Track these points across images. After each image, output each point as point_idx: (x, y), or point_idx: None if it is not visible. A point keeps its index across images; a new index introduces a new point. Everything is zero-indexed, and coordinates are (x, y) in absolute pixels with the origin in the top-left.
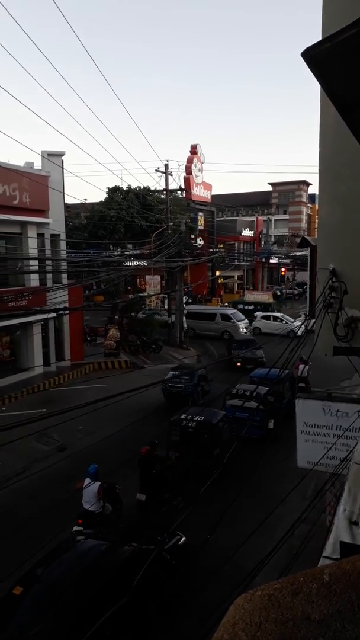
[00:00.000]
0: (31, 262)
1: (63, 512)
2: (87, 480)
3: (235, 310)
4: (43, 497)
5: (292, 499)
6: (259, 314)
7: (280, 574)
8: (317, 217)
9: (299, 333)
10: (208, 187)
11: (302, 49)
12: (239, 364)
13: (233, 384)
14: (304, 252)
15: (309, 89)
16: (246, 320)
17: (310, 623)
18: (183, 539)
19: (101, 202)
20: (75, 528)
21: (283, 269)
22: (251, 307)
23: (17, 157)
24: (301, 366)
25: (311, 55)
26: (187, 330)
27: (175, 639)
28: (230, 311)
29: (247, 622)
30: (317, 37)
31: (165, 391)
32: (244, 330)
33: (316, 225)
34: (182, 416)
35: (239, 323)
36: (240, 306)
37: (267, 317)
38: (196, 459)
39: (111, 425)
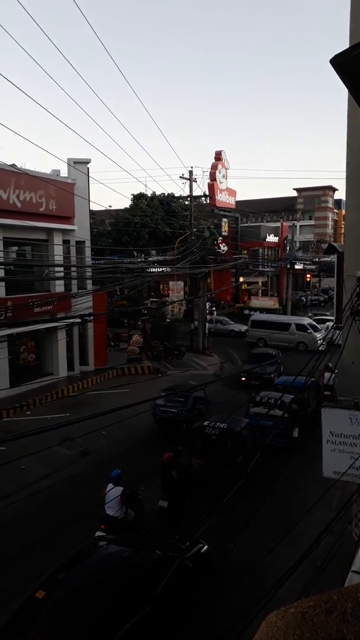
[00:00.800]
0: (56, 268)
1: (86, 517)
2: (110, 486)
3: (311, 320)
4: (66, 502)
5: (316, 509)
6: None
7: (304, 586)
8: (343, 223)
9: (321, 347)
10: (232, 193)
11: (330, 53)
12: (243, 379)
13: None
14: (329, 258)
15: (337, 93)
16: (322, 331)
17: None
18: (205, 547)
19: (126, 208)
20: (98, 533)
21: (308, 275)
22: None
23: (43, 165)
24: (327, 374)
25: (340, 62)
26: (257, 340)
27: None
28: (306, 321)
29: None
30: (344, 42)
31: (155, 416)
32: (320, 341)
33: (342, 231)
34: (205, 423)
35: (315, 334)
36: (246, 312)
37: (211, 321)
38: (219, 466)
39: (134, 431)
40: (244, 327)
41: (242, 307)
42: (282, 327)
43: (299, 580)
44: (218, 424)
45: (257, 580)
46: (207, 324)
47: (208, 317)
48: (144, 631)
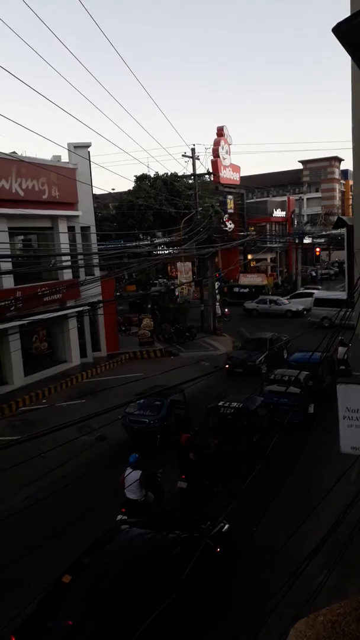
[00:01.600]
0: (64, 257)
1: (107, 501)
2: (129, 470)
3: None
4: (87, 487)
5: (335, 484)
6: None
7: (327, 559)
8: (351, 194)
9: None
10: (236, 169)
11: (332, 21)
12: (227, 366)
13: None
14: (339, 231)
15: (340, 62)
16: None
17: None
18: (227, 526)
19: (129, 190)
20: (120, 517)
21: (317, 249)
22: (246, 290)
23: (43, 151)
24: (341, 349)
25: (343, 31)
26: (322, 319)
27: (224, 631)
28: None
29: None
30: (346, 9)
31: (126, 426)
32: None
33: (350, 203)
34: (220, 403)
35: None
36: (236, 289)
37: (263, 301)
38: (236, 445)
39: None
40: (301, 306)
41: (231, 285)
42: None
43: (320, 554)
44: (233, 403)
45: (280, 557)
46: (219, 304)
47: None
48: (170, 614)
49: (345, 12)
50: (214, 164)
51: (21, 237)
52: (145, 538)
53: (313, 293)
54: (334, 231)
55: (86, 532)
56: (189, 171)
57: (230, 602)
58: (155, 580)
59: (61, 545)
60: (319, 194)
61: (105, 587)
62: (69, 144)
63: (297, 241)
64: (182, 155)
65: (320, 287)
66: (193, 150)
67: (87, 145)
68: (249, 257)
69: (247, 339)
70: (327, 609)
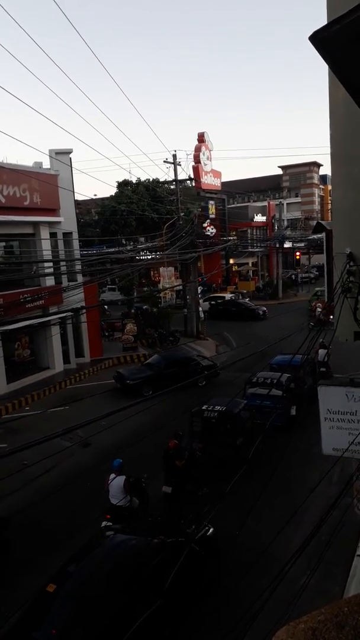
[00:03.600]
0: (46, 263)
1: (92, 507)
2: (112, 475)
3: None
4: (72, 494)
5: (318, 485)
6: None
7: (309, 560)
8: (330, 198)
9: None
10: (217, 174)
11: (309, 29)
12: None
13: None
14: (318, 235)
15: (318, 69)
16: None
17: None
18: (211, 530)
19: (111, 196)
20: (104, 523)
21: (298, 253)
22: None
23: (25, 157)
24: (321, 351)
25: (320, 39)
26: None
27: (208, 635)
28: None
29: None
30: (323, 17)
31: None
32: None
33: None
34: (204, 407)
35: None
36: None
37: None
38: (220, 449)
39: (133, 419)
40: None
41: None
42: None
43: (303, 554)
44: (216, 407)
45: (264, 558)
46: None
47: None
48: (156, 620)
49: (322, 18)
50: (195, 169)
51: (2, 244)
52: (130, 544)
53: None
54: (313, 235)
55: (72, 539)
56: (171, 177)
57: (215, 604)
58: (141, 587)
59: (47, 553)
60: (298, 199)
61: (90, 595)
62: (50, 150)
63: (277, 245)
64: (164, 161)
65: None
66: (174, 156)
67: (69, 152)
68: (231, 261)
69: (157, 355)
70: (307, 616)
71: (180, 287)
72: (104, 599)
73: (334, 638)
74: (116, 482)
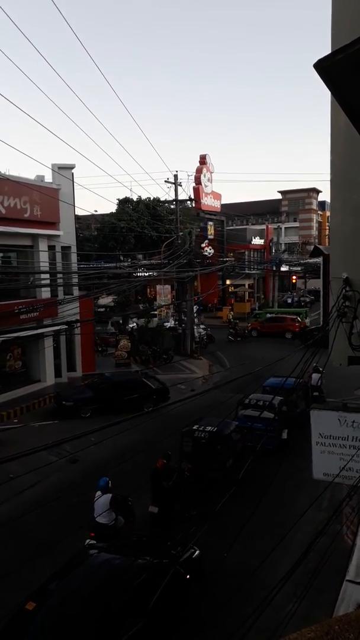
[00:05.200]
0: (42, 275)
1: (78, 524)
2: (98, 494)
3: None
4: (57, 510)
5: (307, 511)
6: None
7: (296, 588)
8: (328, 224)
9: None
10: (217, 196)
11: (313, 52)
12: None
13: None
14: (315, 260)
15: (320, 95)
16: None
17: None
18: (197, 552)
19: (111, 213)
20: (88, 541)
21: (294, 277)
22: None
23: (27, 170)
24: (314, 375)
25: (324, 67)
26: None
27: None
28: None
29: None
30: (328, 40)
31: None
32: None
33: (327, 233)
34: (195, 427)
35: None
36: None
37: None
38: (209, 470)
39: (122, 437)
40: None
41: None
42: None
43: (290, 582)
44: (207, 427)
45: (250, 583)
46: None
47: (195, 320)
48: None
49: (326, 47)
50: (196, 190)
51: (0, 255)
52: (114, 563)
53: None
54: (311, 260)
55: (55, 556)
56: (171, 197)
57: (200, 628)
58: (123, 607)
59: (28, 570)
60: (296, 224)
61: (71, 614)
62: (53, 165)
63: (274, 268)
64: (165, 181)
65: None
66: (176, 176)
67: (71, 167)
68: (228, 282)
69: (103, 375)
70: (297, 633)
71: (175, 308)
72: (84, 619)
73: None
74: (102, 501)
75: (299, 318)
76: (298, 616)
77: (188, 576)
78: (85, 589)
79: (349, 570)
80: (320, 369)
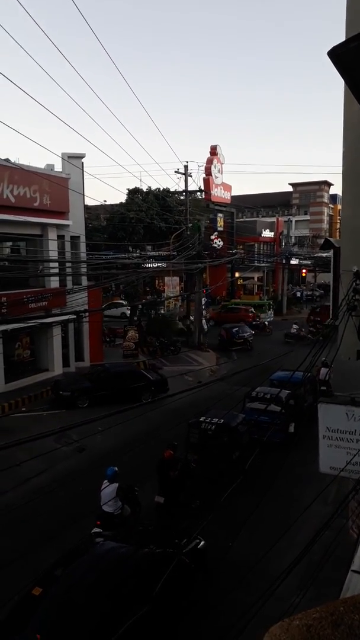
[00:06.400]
0: (51, 264)
1: (83, 513)
2: (105, 483)
3: None
4: (64, 498)
5: (312, 504)
6: None
7: (300, 580)
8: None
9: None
10: (228, 188)
11: (326, 43)
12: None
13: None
14: (325, 254)
15: (333, 86)
16: None
17: None
18: (202, 543)
19: (121, 203)
20: (95, 529)
21: (304, 271)
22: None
23: (37, 160)
24: (323, 370)
25: (338, 54)
26: None
27: None
28: None
29: None
30: (341, 35)
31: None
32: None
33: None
34: (201, 419)
35: None
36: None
37: None
38: (215, 462)
39: (128, 427)
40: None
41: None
42: None
43: (295, 574)
44: (214, 419)
45: (254, 575)
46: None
47: (204, 312)
48: (142, 629)
49: (341, 36)
50: (206, 182)
51: (9, 244)
52: (119, 552)
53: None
54: (322, 254)
55: (62, 543)
56: (181, 187)
57: (203, 618)
58: (129, 593)
59: (35, 557)
60: (307, 217)
61: (76, 598)
62: (63, 154)
63: (284, 262)
64: (175, 172)
65: None
66: (186, 167)
67: (81, 156)
68: (237, 274)
69: (102, 365)
70: (302, 614)
71: (185, 299)
72: (90, 605)
73: (328, 635)
74: (108, 490)
75: (252, 309)
76: (302, 607)
77: (193, 566)
78: (91, 575)
79: (354, 561)
80: (329, 364)
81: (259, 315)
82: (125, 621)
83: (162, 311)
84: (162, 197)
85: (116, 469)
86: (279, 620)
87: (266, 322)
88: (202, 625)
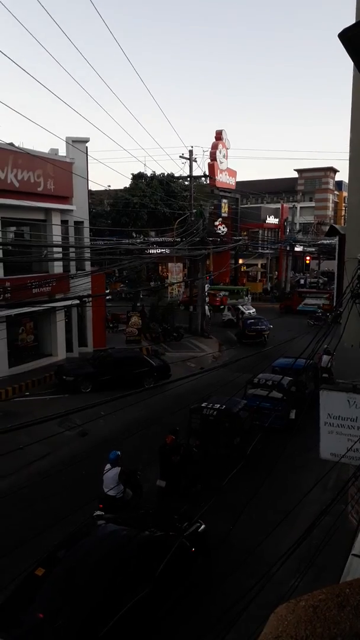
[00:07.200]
0: (55, 249)
1: (86, 496)
2: (108, 466)
3: None
4: (66, 481)
5: (313, 489)
6: None
7: (299, 563)
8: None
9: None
10: (233, 173)
11: (334, 28)
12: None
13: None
14: (330, 241)
15: (341, 72)
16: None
17: None
18: (203, 527)
19: (125, 188)
20: (96, 512)
21: (308, 258)
22: None
23: (41, 144)
24: (325, 357)
25: (349, 37)
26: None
27: (194, 629)
28: None
29: (291, 636)
30: (351, 18)
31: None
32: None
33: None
34: (203, 404)
35: None
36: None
37: None
38: (216, 447)
39: (131, 412)
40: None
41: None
42: None
43: (294, 558)
44: (216, 405)
45: (254, 559)
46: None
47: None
48: (143, 610)
49: (350, 19)
50: (211, 167)
51: (13, 228)
52: (121, 534)
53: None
54: (325, 241)
55: (65, 526)
56: (186, 173)
57: (202, 600)
58: (131, 574)
59: (38, 539)
60: (312, 204)
61: (79, 579)
62: (67, 138)
63: (288, 249)
64: (180, 157)
65: None
66: (191, 152)
67: (86, 140)
68: (240, 261)
69: (105, 351)
70: (308, 595)
71: (187, 284)
72: (92, 585)
73: (334, 616)
74: (111, 474)
75: (221, 294)
76: (300, 591)
77: (193, 549)
78: (93, 557)
79: (355, 545)
80: (331, 351)
81: (235, 301)
82: (126, 602)
83: (168, 298)
84: (166, 183)
85: (119, 453)
86: (277, 602)
87: (241, 307)
88: (202, 607)
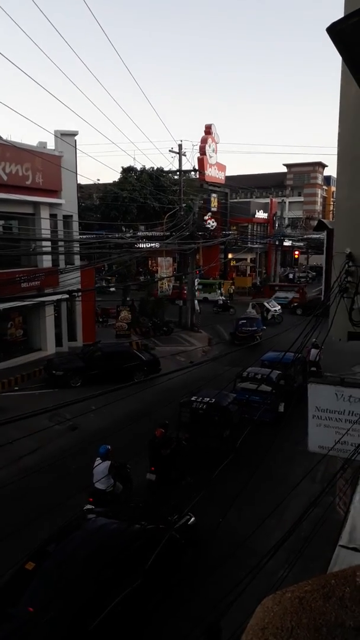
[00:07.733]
0: (44, 243)
1: (76, 490)
2: (98, 460)
3: None
4: (56, 476)
5: (301, 482)
6: None
7: (288, 555)
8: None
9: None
10: (222, 168)
11: (321, 23)
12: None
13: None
14: (318, 235)
15: (330, 67)
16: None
17: (345, 630)
18: (192, 519)
19: (114, 182)
20: (87, 506)
21: (296, 252)
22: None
23: (30, 137)
24: (313, 351)
25: (337, 31)
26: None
27: (184, 621)
28: None
29: (277, 627)
30: (339, 13)
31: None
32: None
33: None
34: (193, 398)
35: None
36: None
37: None
38: (206, 440)
39: (121, 406)
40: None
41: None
42: None
43: (283, 549)
44: (205, 398)
45: (243, 551)
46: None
47: (197, 293)
48: (134, 603)
49: (339, 13)
50: (200, 161)
51: (1, 222)
52: (111, 527)
53: None
54: (314, 235)
55: (55, 520)
56: (175, 167)
57: (193, 592)
58: (119, 569)
59: (28, 533)
60: (301, 198)
61: (69, 572)
62: (55, 131)
63: (277, 243)
64: (169, 151)
65: None
66: (180, 146)
67: (74, 134)
68: (230, 255)
69: (95, 345)
70: (294, 586)
71: (177, 278)
72: (82, 579)
73: (320, 607)
74: (101, 467)
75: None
76: (289, 581)
77: (183, 541)
78: (83, 550)
79: (341, 536)
80: (319, 345)
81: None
82: (116, 595)
83: (158, 292)
84: (156, 177)
85: (109, 447)
86: (266, 593)
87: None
88: (192, 598)
